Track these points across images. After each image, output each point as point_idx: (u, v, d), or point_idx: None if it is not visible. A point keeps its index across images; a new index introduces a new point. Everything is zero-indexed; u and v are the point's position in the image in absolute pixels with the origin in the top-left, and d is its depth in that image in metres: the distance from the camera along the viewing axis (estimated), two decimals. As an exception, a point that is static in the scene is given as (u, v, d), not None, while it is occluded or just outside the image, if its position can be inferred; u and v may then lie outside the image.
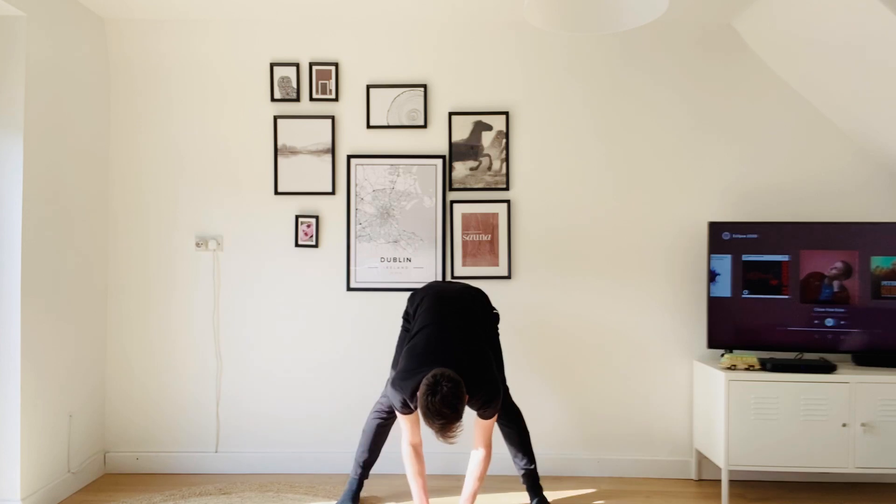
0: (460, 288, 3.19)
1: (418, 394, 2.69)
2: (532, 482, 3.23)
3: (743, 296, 3.53)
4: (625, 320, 3.76)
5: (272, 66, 3.77)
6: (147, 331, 3.79)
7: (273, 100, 3.78)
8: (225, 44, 3.80)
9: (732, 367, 3.37)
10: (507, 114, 3.76)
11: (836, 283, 3.49)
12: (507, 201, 3.75)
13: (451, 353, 2.82)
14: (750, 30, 3.63)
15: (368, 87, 3.77)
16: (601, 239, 3.76)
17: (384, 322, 3.72)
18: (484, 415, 2.89)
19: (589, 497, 3.43)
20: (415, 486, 2.99)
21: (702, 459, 3.69)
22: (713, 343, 3.55)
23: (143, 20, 3.77)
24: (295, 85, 3.78)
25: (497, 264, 3.76)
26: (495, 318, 3.23)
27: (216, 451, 3.79)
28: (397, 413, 2.95)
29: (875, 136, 3.56)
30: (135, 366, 3.79)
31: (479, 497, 3.34)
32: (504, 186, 3.77)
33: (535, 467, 3.24)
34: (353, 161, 3.77)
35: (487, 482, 3.51)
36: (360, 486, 3.27)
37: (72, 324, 3.46)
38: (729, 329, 3.53)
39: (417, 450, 2.99)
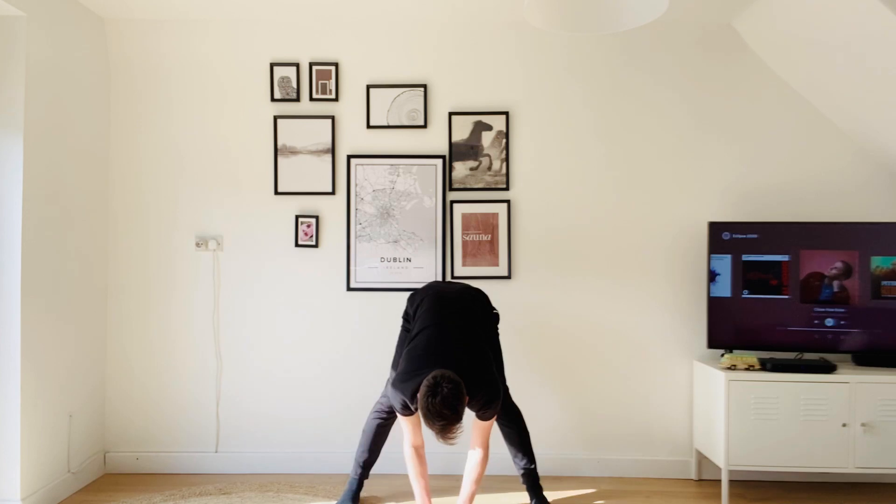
0: (460, 288, 3.19)
1: (418, 395, 2.69)
2: (532, 482, 3.23)
3: (743, 296, 3.53)
4: (625, 320, 3.76)
5: (272, 66, 3.77)
6: (147, 331, 3.79)
7: (273, 100, 3.78)
8: (225, 44, 3.80)
9: (732, 367, 3.37)
10: (507, 114, 3.76)
11: (836, 283, 3.49)
12: (507, 201, 3.76)
13: (452, 355, 2.82)
14: (750, 30, 3.63)
15: (368, 87, 3.77)
16: (601, 239, 3.76)
17: (384, 322, 3.72)
18: (483, 416, 2.89)
19: (589, 497, 3.43)
20: (417, 487, 2.99)
21: (702, 459, 3.69)
22: (713, 343, 3.55)
23: (143, 20, 3.77)
24: (295, 85, 3.78)
25: (497, 264, 3.76)
26: (495, 318, 3.23)
27: (216, 451, 3.79)
28: (398, 415, 2.95)
29: (875, 136, 3.56)
30: (135, 366, 3.79)
31: (479, 497, 3.34)
32: (504, 186, 3.77)
33: (535, 467, 3.24)
34: (353, 161, 3.77)
35: (487, 482, 3.51)
36: (360, 486, 3.27)
37: (72, 324, 3.46)
38: (729, 329, 3.53)
39: (419, 451, 2.99)
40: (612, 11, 2.43)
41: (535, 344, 3.75)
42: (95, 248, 3.68)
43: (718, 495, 3.45)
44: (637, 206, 3.76)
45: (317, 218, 3.77)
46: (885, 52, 3.01)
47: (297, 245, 3.78)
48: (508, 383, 3.31)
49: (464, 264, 3.76)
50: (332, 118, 3.77)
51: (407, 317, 3.21)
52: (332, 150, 3.77)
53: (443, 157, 3.76)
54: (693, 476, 3.71)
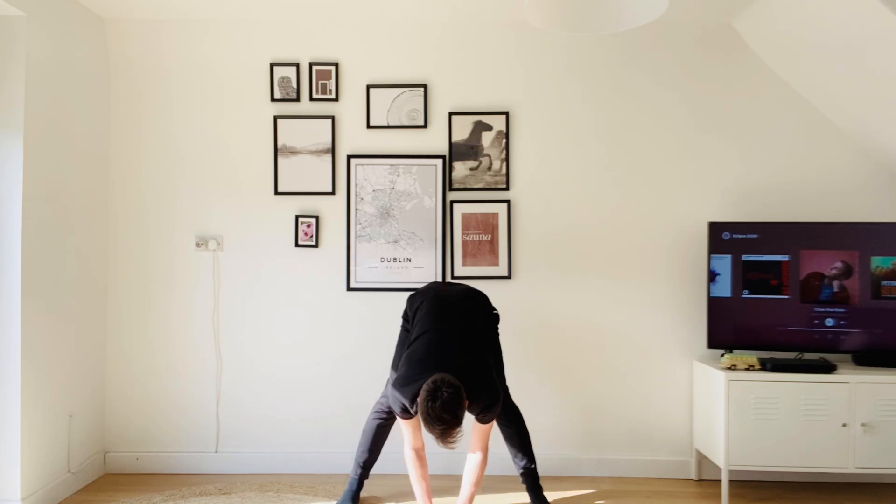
0: (460, 290, 3.19)
1: (419, 400, 2.69)
2: (532, 482, 3.23)
3: (743, 296, 3.53)
4: (625, 320, 3.76)
5: (272, 66, 3.77)
6: (147, 331, 3.79)
7: (273, 100, 3.78)
8: (225, 44, 3.80)
9: (732, 367, 3.37)
10: (507, 114, 3.76)
11: (836, 283, 3.49)
12: (507, 201, 3.75)
13: (451, 359, 2.82)
14: (750, 30, 3.63)
15: (368, 87, 3.77)
16: (601, 239, 3.76)
17: (384, 322, 3.72)
18: (483, 419, 2.89)
19: (589, 497, 3.43)
20: (418, 489, 2.99)
21: (702, 459, 3.69)
22: (713, 343, 3.55)
23: (143, 20, 3.77)
24: (295, 85, 3.78)
25: (497, 264, 3.76)
26: (495, 318, 3.23)
27: (216, 451, 3.79)
28: (398, 418, 2.95)
29: (875, 136, 3.56)
30: (135, 366, 3.79)
31: (479, 498, 3.34)
32: (504, 186, 3.77)
33: (535, 467, 3.24)
34: (353, 161, 3.77)
35: (487, 482, 3.51)
36: (360, 486, 3.27)
37: (72, 324, 3.46)
38: (729, 329, 3.53)
39: (420, 454, 2.99)
40: (612, 11, 2.43)
41: (535, 344, 3.75)
42: (95, 248, 3.68)
43: (718, 495, 3.45)
44: (637, 206, 3.76)
45: (317, 218, 3.77)
46: (885, 52, 3.01)
47: (297, 245, 3.78)
48: (508, 383, 3.31)
49: (464, 264, 3.76)
50: (332, 118, 3.77)
51: (406, 317, 3.21)
52: (332, 150, 3.77)
53: (443, 157, 3.76)
54: (693, 476, 3.71)
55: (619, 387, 3.76)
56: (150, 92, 3.81)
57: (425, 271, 3.75)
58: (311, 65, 3.77)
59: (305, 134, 3.77)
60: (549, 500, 3.27)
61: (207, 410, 3.79)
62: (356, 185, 3.77)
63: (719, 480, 3.44)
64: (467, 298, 3.14)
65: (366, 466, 3.27)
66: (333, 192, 3.78)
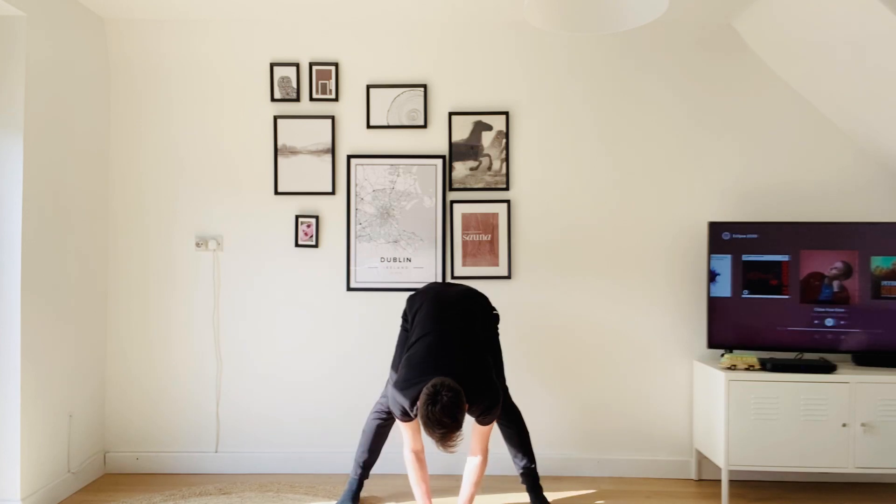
0: (460, 291, 3.18)
1: (418, 403, 2.69)
2: (532, 482, 3.23)
3: (743, 296, 3.53)
4: (625, 320, 3.76)
5: (272, 66, 3.77)
6: (147, 331, 3.79)
7: (273, 100, 3.78)
8: (225, 44, 3.80)
9: (732, 367, 3.37)
10: (507, 114, 3.76)
11: (836, 283, 3.49)
12: (507, 201, 3.75)
13: (451, 363, 2.82)
14: (750, 30, 3.63)
15: (368, 87, 3.77)
16: (601, 239, 3.76)
17: (384, 322, 3.72)
18: (483, 421, 2.89)
19: (589, 497, 3.43)
20: (418, 491, 2.99)
21: (702, 459, 3.69)
22: (713, 343, 3.55)
23: (143, 20, 3.77)
24: (295, 85, 3.78)
25: (497, 264, 3.76)
26: (495, 318, 3.22)
27: (216, 451, 3.79)
28: (397, 420, 2.95)
29: (875, 136, 3.56)
30: (135, 366, 3.79)
31: (479, 498, 3.34)
32: (504, 186, 3.77)
33: (535, 467, 3.24)
34: (353, 161, 3.77)
35: (487, 482, 3.51)
36: (360, 486, 3.27)
37: (72, 324, 3.46)
38: (729, 329, 3.53)
39: (419, 456, 2.99)
40: (612, 11, 2.43)
41: (534, 344, 3.75)
42: (95, 248, 3.68)
43: (718, 495, 3.45)
44: (637, 206, 3.76)
45: (317, 218, 3.77)
46: (886, 51, 3.01)
47: (297, 245, 3.78)
48: (508, 383, 3.31)
49: (464, 264, 3.76)
50: (332, 118, 3.77)
51: (406, 318, 3.21)
52: (332, 150, 3.77)
53: (443, 157, 3.76)
54: (693, 476, 3.71)
55: (620, 387, 3.76)
56: (150, 92, 3.81)
57: (425, 271, 3.75)
58: (311, 65, 3.77)
59: (305, 134, 3.77)
60: (549, 500, 3.27)
61: (207, 410, 3.79)
62: (356, 185, 3.77)
63: (719, 480, 3.44)
64: (466, 299, 3.14)
65: (366, 466, 3.27)
66: (333, 192, 3.78)
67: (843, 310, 3.48)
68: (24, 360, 3.08)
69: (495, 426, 3.13)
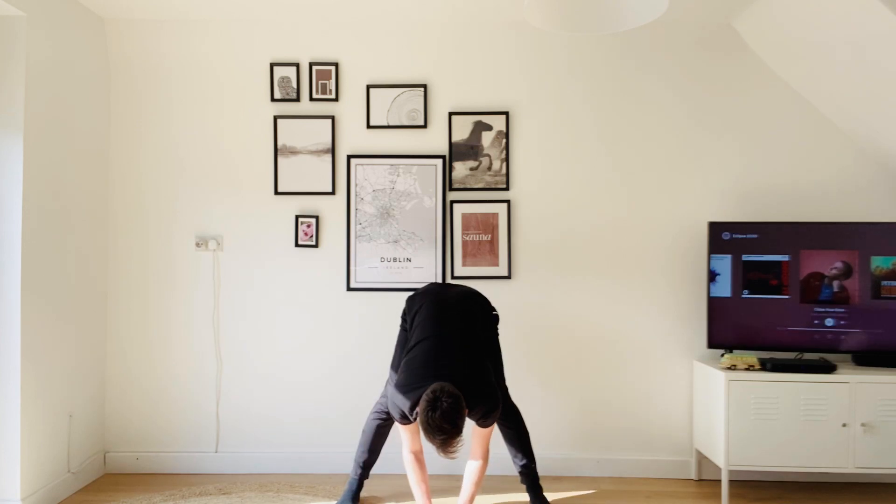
0: (459, 291, 3.18)
1: (418, 409, 2.69)
2: (532, 482, 3.23)
3: (743, 296, 3.53)
4: (624, 320, 3.76)
5: (272, 66, 3.77)
6: (147, 331, 3.79)
7: (273, 100, 3.78)
8: (225, 44, 3.80)
9: (732, 367, 3.37)
10: (507, 114, 3.76)
11: (836, 283, 3.49)
12: (507, 201, 3.75)
13: (450, 367, 2.82)
14: (750, 30, 3.63)
15: (368, 87, 3.77)
16: (601, 239, 3.76)
17: (384, 322, 3.72)
18: (483, 424, 2.89)
19: (589, 497, 3.43)
20: (418, 491, 2.99)
21: (702, 459, 3.69)
22: (713, 343, 3.55)
23: (143, 20, 3.77)
24: (295, 85, 3.78)
25: (497, 264, 3.76)
26: (495, 319, 3.22)
27: (216, 451, 3.79)
28: (396, 422, 2.95)
29: (875, 136, 3.56)
30: (134, 366, 3.79)
31: (479, 498, 3.34)
32: (504, 186, 3.77)
33: (535, 467, 3.24)
34: (353, 161, 3.77)
35: (487, 482, 3.51)
36: (360, 486, 3.27)
37: (72, 324, 3.46)
38: (729, 329, 3.53)
39: (418, 457, 3.00)
40: (612, 11, 2.43)
41: (534, 344, 3.75)
42: (95, 248, 3.68)
43: (718, 495, 3.45)
44: (637, 206, 3.76)
45: (317, 218, 3.77)
46: (886, 52, 3.01)
47: (297, 245, 3.78)
48: (508, 383, 3.30)
49: (464, 264, 3.76)
50: (332, 118, 3.77)
51: (405, 318, 3.21)
52: (332, 150, 3.77)
53: (443, 157, 3.76)
54: (693, 476, 3.71)
55: (620, 387, 3.75)
56: (150, 92, 3.81)
57: (425, 271, 3.75)
58: (311, 65, 3.77)
59: (305, 134, 3.77)
60: (549, 500, 3.27)
61: (207, 410, 3.79)
62: (356, 185, 3.77)
63: (719, 480, 3.44)
64: (466, 300, 3.14)
65: (366, 466, 3.27)
66: (333, 192, 3.78)
67: (843, 310, 3.48)
68: (24, 360, 3.08)
69: (495, 427, 3.12)
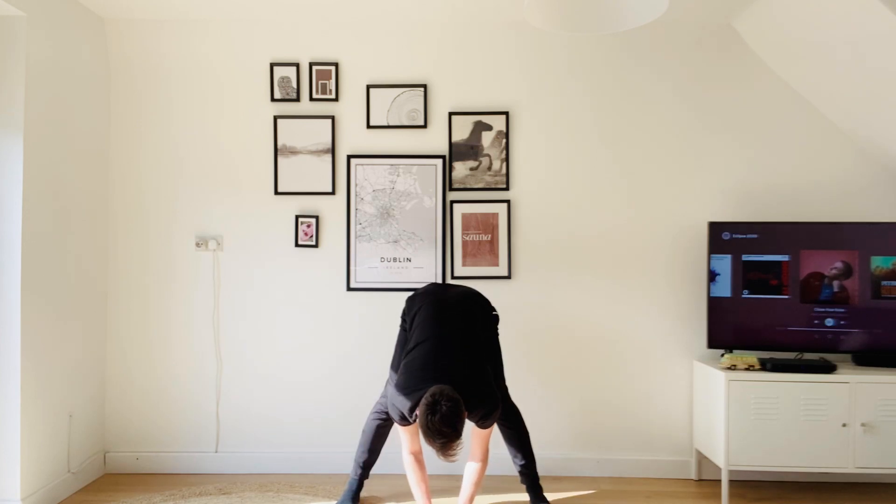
0: (459, 291, 3.18)
1: (418, 412, 2.69)
2: (532, 482, 3.23)
3: (743, 296, 3.53)
4: (624, 320, 3.76)
5: (272, 66, 3.77)
6: (147, 331, 3.79)
7: (273, 100, 3.78)
8: (225, 44, 3.80)
9: (732, 367, 3.37)
10: (507, 114, 3.76)
11: (836, 283, 3.49)
12: (507, 201, 3.75)
13: (450, 369, 2.82)
14: (750, 30, 3.63)
15: (368, 87, 3.77)
16: (601, 239, 3.76)
17: (384, 322, 3.72)
18: (483, 425, 2.89)
19: (589, 497, 3.43)
20: (417, 492, 2.99)
21: (702, 459, 3.69)
22: (713, 343, 3.55)
23: (143, 20, 3.77)
24: (295, 85, 3.78)
25: (497, 264, 3.76)
26: (495, 319, 3.22)
27: (216, 451, 3.79)
28: (396, 423, 2.95)
29: (875, 136, 3.56)
30: (134, 366, 3.79)
31: (479, 498, 3.34)
32: (504, 186, 3.77)
33: (535, 467, 3.24)
34: (353, 161, 3.77)
35: (487, 482, 3.51)
36: (360, 486, 3.27)
37: (72, 324, 3.46)
38: (729, 329, 3.53)
39: (418, 457, 3.00)
40: (612, 11, 2.43)
41: (534, 344, 3.75)
42: (95, 248, 3.68)
43: (718, 495, 3.45)
44: (637, 206, 3.76)
45: (317, 218, 3.77)
46: (886, 52, 3.01)
47: (297, 245, 3.78)
48: (508, 383, 3.30)
49: (464, 264, 3.76)
50: (332, 118, 3.77)
51: (405, 318, 3.21)
52: (332, 150, 3.77)
53: (443, 157, 3.76)
54: (693, 476, 3.71)
55: (620, 387, 3.75)
56: (150, 92, 3.81)
57: (425, 271, 3.75)
58: (311, 65, 3.77)
59: (305, 134, 3.77)
60: (549, 500, 3.27)
61: (207, 410, 3.79)
62: (356, 185, 3.77)
63: (719, 480, 3.44)
64: (466, 300, 3.14)
65: (366, 466, 3.27)
66: (333, 192, 3.78)
67: (843, 310, 3.48)
68: (25, 360, 3.08)
69: (495, 428, 3.13)
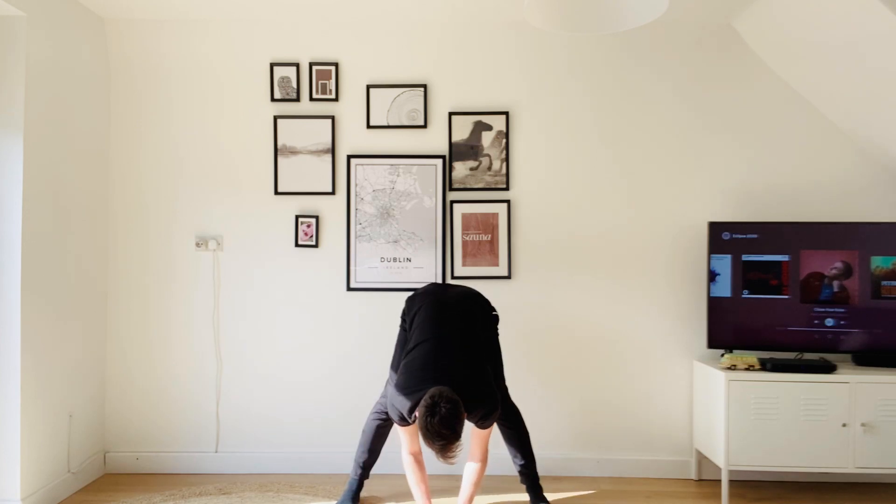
0: (459, 291, 3.18)
1: (417, 414, 2.69)
2: (532, 482, 3.23)
3: (743, 296, 3.53)
4: (625, 320, 3.76)
5: (272, 66, 3.77)
6: (147, 331, 3.79)
7: (273, 100, 3.78)
8: (225, 44, 3.80)
9: (732, 367, 3.37)
10: (507, 114, 3.76)
11: (836, 283, 3.49)
12: (507, 201, 3.76)
13: (450, 370, 2.82)
14: (750, 30, 3.63)
15: (368, 87, 3.77)
16: (601, 238, 3.76)
17: (384, 322, 3.72)
18: (482, 425, 2.89)
19: (589, 497, 3.43)
20: (417, 492, 2.99)
21: (702, 459, 3.69)
22: (713, 343, 3.55)
23: (143, 20, 3.77)
24: (295, 85, 3.78)
25: (497, 264, 3.76)
26: (495, 319, 3.22)
27: (216, 451, 3.79)
28: (395, 424, 2.95)
29: (875, 136, 3.56)
30: (135, 366, 3.79)
31: (479, 498, 3.34)
32: (504, 186, 3.77)
33: (535, 467, 3.24)
34: (353, 161, 3.77)
35: (487, 482, 3.51)
36: (360, 486, 3.27)
37: (72, 323, 3.46)
38: (729, 329, 3.53)
39: (417, 457, 3.00)
40: (612, 11, 2.43)
41: (534, 344, 3.75)
42: (95, 248, 3.68)
43: (718, 495, 3.45)
44: (637, 206, 3.76)
45: (317, 218, 3.77)
46: (886, 52, 3.01)
47: (297, 245, 3.78)
48: (508, 383, 3.30)
49: (464, 264, 3.76)
50: (332, 118, 3.77)
51: (405, 318, 3.21)
52: (332, 150, 3.77)
53: (443, 157, 3.76)
54: (693, 476, 3.71)
55: (620, 387, 3.75)
56: (150, 92, 3.81)
57: (425, 271, 3.75)
58: (311, 65, 3.77)
59: (305, 134, 3.77)
60: (550, 500, 3.27)
61: (207, 410, 3.79)
62: (356, 185, 3.77)
63: (719, 480, 3.44)
64: (466, 300, 3.14)
65: (366, 466, 3.27)
66: (333, 192, 3.78)
67: (843, 310, 3.48)
68: (25, 360, 3.08)
69: (495, 428, 3.13)
